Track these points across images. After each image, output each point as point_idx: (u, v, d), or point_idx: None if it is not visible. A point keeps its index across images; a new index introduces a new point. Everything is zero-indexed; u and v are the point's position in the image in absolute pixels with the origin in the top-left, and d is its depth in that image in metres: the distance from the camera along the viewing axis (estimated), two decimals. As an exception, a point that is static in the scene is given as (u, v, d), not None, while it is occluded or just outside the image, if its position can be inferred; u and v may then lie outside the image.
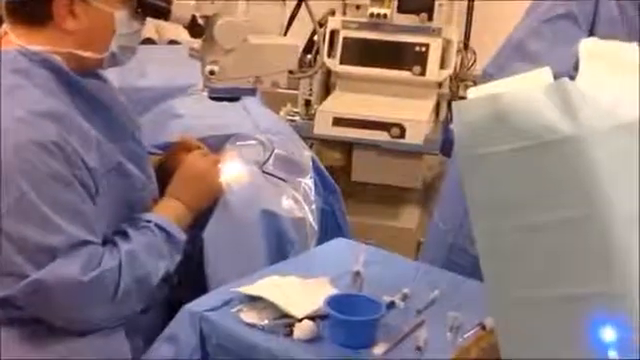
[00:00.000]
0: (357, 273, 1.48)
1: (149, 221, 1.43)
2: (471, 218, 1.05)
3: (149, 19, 1.45)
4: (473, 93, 1.01)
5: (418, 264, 1.67)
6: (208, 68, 1.48)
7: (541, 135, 0.95)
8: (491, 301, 1.08)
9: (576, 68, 1.18)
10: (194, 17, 1.43)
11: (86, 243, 1.30)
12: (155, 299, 1.47)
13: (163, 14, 1.42)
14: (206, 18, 1.45)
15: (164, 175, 1.57)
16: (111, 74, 1.56)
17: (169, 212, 1.49)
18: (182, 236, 1.47)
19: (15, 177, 1.24)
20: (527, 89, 0.98)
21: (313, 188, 1.81)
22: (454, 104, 1.00)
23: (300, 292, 1.41)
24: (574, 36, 1.36)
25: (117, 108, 1.46)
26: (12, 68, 1.30)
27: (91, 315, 1.33)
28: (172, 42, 2.61)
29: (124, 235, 1.39)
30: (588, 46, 1.07)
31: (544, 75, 1.03)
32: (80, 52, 1.35)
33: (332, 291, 1.41)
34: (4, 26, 1.38)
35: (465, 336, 1.30)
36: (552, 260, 0.99)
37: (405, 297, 1.43)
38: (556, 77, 0.98)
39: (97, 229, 1.34)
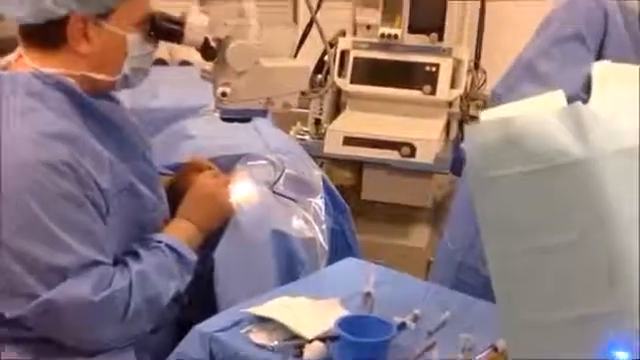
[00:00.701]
0: (368, 294, 1.48)
1: (160, 241, 1.44)
2: (482, 239, 1.05)
3: (162, 41, 1.46)
4: (486, 115, 1.02)
5: (428, 284, 1.67)
6: (220, 90, 1.49)
7: (553, 158, 0.96)
8: (503, 322, 1.08)
9: (585, 90, 1.19)
10: (206, 40, 1.45)
11: (97, 263, 1.31)
12: (165, 319, 1.48)
13: (176, 37, 1.43)
14: (218, 41, 1.47)
15: (175, 195, 1.58)
16: (123, 95, 1.57)
17: (180, 232, 1.49)
18: (193, 257, 1.48)
19: (25, 197, 1.25)
20: (540, 112, 0.98)
21: (323, 208, 1.82)
22: (467, 127, 1.02)
23: (310, 313, 1.41)
24: (583, 58, 1.36)
25: (129, 129, 1.47)
26: (26, 91, 1.31)
27: (101, 335, 1.33)
28: (184, 63, 2.63)
29: (135, 255, 1.40)
30: (601, 69, 1.07)
31: (557, 98, 1.03)
32: (93, 74, 1.37)
33: (342, 312, 1.41)
34: (18, 49, 1.39)
35: (477, 358, 1.30)
36: (562, 282, 0.99)
37: (416, 318, 1.42)
38: (567, 99, 0.98)
39: (108, 249, 1.34)
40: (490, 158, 0.99)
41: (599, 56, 1.39)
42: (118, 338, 1.36)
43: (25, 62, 1.36)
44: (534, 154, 0.97)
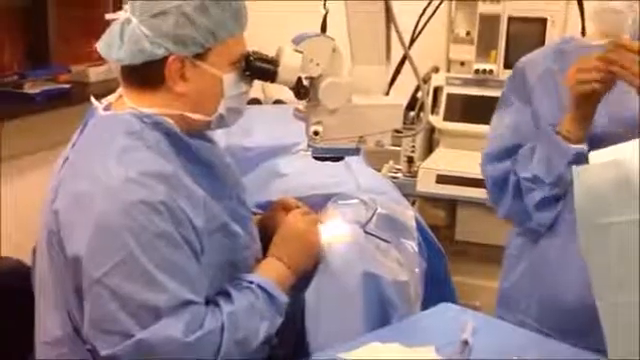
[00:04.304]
0: (465, 342, 1.41)
1: (252, 282, 1.42)
2: (593, 288, 0.97)
3: (256, 81, 1.47)
4: (595, 158, 0.95)
5: (528, 332, 1.58)
6: (312, 128, 1.48)
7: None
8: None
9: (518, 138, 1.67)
10: (299, 79, 1.44)
11: (190, 303, 1.30)
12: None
13: (270, 76, 1.43)
14: (311, 79, 1.46)
15: (263, 234, 1.57)
16: (217, 133, 1.59)
17: (271, 273, 1.47)
18: (284, 298, 1.45)
19: (123, 235, 1.26)
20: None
21: (417, 250, 1.76)
22: (574, 168, 0.95)
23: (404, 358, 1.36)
24: (509, 113, 1.77)
25: (223, 169, 1.47)
26: (126, 130, 1.34)
27: None
28: (277, 102, 2.66)
29: (227, 296, 1.38)
30: None
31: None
32: (190, 114, 1.38)
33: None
34: (119, 90, 1.43)
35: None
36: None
37: (517, 369, 1.34)
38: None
39: (200, 289, 1.34)
40: (601, 203, 0.92)
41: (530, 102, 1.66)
42: None
43: (124, 102, 1.39)
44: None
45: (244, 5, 1.40)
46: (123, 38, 1.34)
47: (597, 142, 1.34)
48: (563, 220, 1.58)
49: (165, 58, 1.33)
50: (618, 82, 1.44)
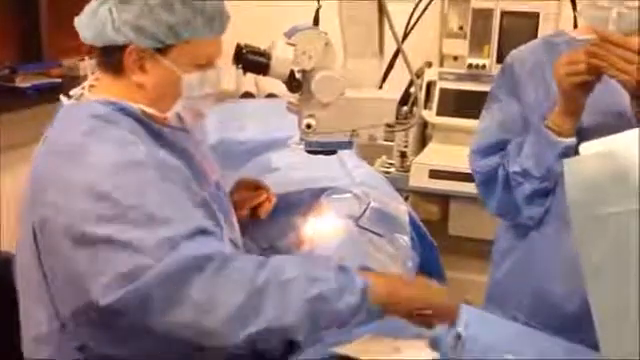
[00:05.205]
0: (458, 335, 1.41)
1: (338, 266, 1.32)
2: (586, 280, 0.97)
3: (249, 74, 1.46)
4: (585, 149, 0.95)
5: (520, 326, 1.58)
6: (305, 122, 1.48)
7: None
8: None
9: (505, 131, 1.67)
10: (292, 72, 1.44)
11: (205, 231, 1.26)
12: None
13: (262, 69, 1.43)
14: (304, 72, 1.46)
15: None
16: (211, 127, 1.58)
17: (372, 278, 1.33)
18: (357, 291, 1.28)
19: (115, 194, 1.22)
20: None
21: (410, 243, 1.77)
22: (564, 160, 0.95)
23: (397, 353, 1.36)
24: (497, 109, 1.75)
25: (199, 157, 1.44)
26: (92, 114, 1.31)
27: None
28: (270, 95, 2.65)
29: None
30: None
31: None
32: (145, 108, 1.35)
33: (430, 354, 1.35)
34: (89, 80, 1.42)
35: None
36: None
37: (509, 363, 1.35)
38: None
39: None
40: (595, 195, 0.92)
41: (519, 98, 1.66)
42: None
43: (95, 92, 1.37)
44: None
45: (222, 10, 1.36)
46: (94, 18, 1.32)
47: (584, 135, 1.34)
48: (552, 213, 1.58)
49: (125, 46, 1.31)
50: (605, 75, 1.44)
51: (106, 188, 1.23)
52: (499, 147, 1.68)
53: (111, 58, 1.34)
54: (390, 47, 1.59)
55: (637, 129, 0.98)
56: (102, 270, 1.21)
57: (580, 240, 0.95)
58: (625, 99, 1.46)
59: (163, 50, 1.32)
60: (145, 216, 1.22)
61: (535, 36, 2.63)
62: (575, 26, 2.04)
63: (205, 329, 1.22)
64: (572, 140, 1.52)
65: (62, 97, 1.41)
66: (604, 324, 0.96)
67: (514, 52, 1.73)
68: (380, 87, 1.65)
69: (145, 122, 1.34)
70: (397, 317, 1.36)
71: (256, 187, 1.70)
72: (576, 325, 1.37)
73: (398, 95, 2.61)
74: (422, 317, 1.36)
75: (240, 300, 1.21)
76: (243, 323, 1.22)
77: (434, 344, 1.40)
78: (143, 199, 1.23)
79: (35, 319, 1.36)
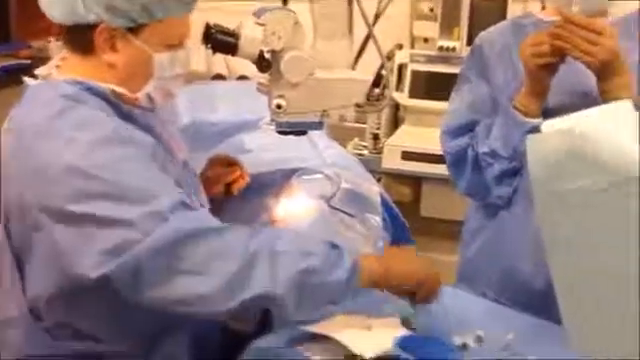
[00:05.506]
0: (429, 312, 1.43)
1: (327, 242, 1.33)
2: (547, 255, 0.99)
3: (218, 54, 1.45)
4: (546, 126, 0.96)
5: (492, 304, 1.61)
6: (275, 102, 1.48)
7: (622, 171, 0.90)
8: (572, 344, 1.02)
9: (474, 111, 1.71)
10: (261, 52, 1.43)
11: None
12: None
13: (231, 49, 1.42)
14: (273, 53, 1.46)
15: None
16: (182, 109, 1.57)
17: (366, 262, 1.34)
18: (346, 271, 1.29)
19: (92, 172, 1.22)
20: (606, 122, 0.93)
21: (381, 224, 1.78)
22: (528, 137, 0.96)
23: (368, 331, 1.37)
24: (467, 90, 1.77)
25: (167, 137, 1.44)
26: (60, 94, 1.30)
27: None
28: (242, 77, 2.64)
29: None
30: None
31: (624, 109, 0.97)
32: (115, 88, 1.34)
33: (401, 331, 1.36)
34: (55, 59, 1.40)
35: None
36: (636, 305, 0.93)
37: (479, 339, 1.37)
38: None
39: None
40: (555, 171, 0.94)
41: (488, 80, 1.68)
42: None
43: (62, 72, 1.36)
44: (602, 167, 0.91)
45: None
46: None
47: (550, 115, 1.36)
48: (520, 193, 1.61)
49: (96, 25, 1.29)
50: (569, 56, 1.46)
51: (83, 166, 1.22)
52: (468, 128, 1.70)
53: (80, 37, 1.32)
54: (362, 29, 1.60)
55: (598, 107, 1.01)
56: (89, 245, 1.21)
57: (542, 216, 0.97)
58: (591, 79, 1.48)
59: (135, 29, 1.31)
60: (127, 191, 1.22)
61: (504, 18, 2.65)
62: (543, 8, 2.06)
63: (198, 298, 1.23)
64: (539, 121, 1.54)
65: (25, 78, 1.39)
66: (565, 297, 0.98)
67: (483, 34, 1.75)
68: (353, 68, 1.65)
69: (113, 102, 1.33)
70: (388, 292, 1.38)
71: (230, 163, 1.70)
72: (543, 302, 1.39)
73: (370, 77, 2.63)
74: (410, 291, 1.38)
75: (234, 269, 1.22)
76: (236, 290, 1.23)
77: (407, 323, 1.42)
78: (122, 175, 1.23)
79: (4, 303, 1.36)
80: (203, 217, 1.29)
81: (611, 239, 0.94)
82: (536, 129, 1.51)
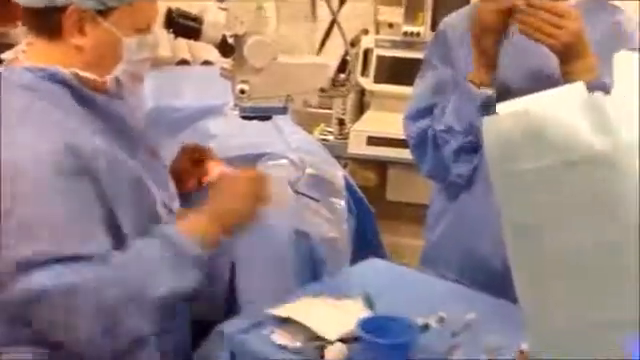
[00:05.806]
0: (391, 294, 1.45)
1: (159, 232, 1.33)
2: (504, 235, 1.01)
3: (181, 39, 1.45)
4: (502, 108, 0.98)
5: (453, 285, 1.64)
6: (238, 87, 1.48)
7: (575, 151, 0.92)
8: (529, 326, 1.04)
9: (437, 92, 1.72)
10: (224, 37, 1.43)
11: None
12: (176, 319, 1.42)
13: (194, 34, 1.42)
14: (236, 37, 1.45)
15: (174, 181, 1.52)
16: (148, 93, 1.54)
17: (190, 226, 1.36)
18: (194, 250, 1.33)
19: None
20: (560, 104, 0.95)
21: (346, 208, 1.80)
22: (484, 119, 0.98)
23: (332, 314, 1.39)
24: (431, 75, 1.78)
25: (134, 123, 1.42)
26: (19, 84, 1.28)
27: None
28: (206, 63, 2.63)
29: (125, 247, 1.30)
30: (622, 59, 1.03)
31: (577, 90, 0.99)
32: (82, 72, 1.31)
33: (365, 313, 1.38)
34: (19, 46, 1.37)
35: (502, 360, 1.27)
36: (591, 284, 0.96)
37: (441, 320, 1.39)
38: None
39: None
40: (510, 152, 0.95)
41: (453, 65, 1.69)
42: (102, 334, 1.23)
43: (28, 57, 1.33)
44: (555, 147, 0.93)
45: None
46: None
47: (504, 96, 1.38)
48: (480, 174, 1.62)
49: (65, 7, 1.27)
50: (522, 36, 1.48)
51: (8, 177, 1.19)
52: (430, 111, 1.71)
53: (48, 20, 1.30)
54: (329, 14, 1.59)
55: (554, 89, 1.03)
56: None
57: (499, 197, 0.99)
58: (554, 62, 1.50)
59: (104, 12, 1.29)
60: (22, 225, 1.19)
61: (467, 3, 2.66)
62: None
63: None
64: (489, 91, 1.54)
65: None
66: (521, 276, 1.00)
67: (447, 19, 1.76)
68: (318, 54, 1.65)
69: (76, 88, 1.32)
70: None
71: (200, 156, 1.65)
72: (502, 281, 1.42)
73: (335, 62, 2.63)
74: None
75: (97, 328, 1.22)
76: (110, 335, 1.23)
77: (370, 303, 1.44)
78: (33, 208, 1.20)
79: None
80: (69, 276, 1.20)
81: (566, 218, 0.96)
82: (489, 99, 1.54)
